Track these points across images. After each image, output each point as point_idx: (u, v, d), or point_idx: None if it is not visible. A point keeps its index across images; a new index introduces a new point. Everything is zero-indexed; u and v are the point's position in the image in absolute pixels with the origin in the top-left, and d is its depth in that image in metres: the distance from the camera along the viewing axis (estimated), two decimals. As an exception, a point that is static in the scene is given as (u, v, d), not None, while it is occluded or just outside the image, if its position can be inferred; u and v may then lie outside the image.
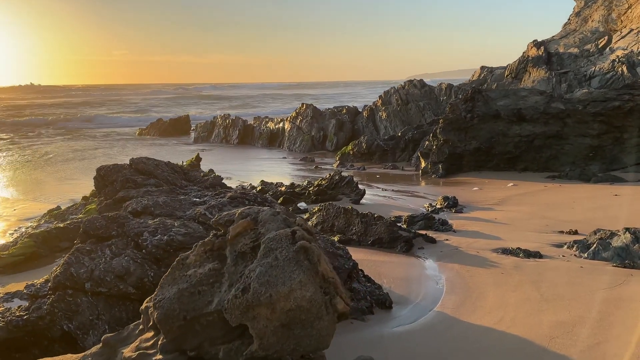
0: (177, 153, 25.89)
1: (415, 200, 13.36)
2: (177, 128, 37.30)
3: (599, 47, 26.93)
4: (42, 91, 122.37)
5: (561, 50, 28.34)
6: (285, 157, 24.73)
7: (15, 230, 12.19)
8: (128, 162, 8.95)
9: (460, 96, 20.76)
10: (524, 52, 28.86)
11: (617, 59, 24.44)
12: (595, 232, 8.14)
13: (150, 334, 3.54)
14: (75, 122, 47.05)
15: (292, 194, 13.55)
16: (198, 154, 18.71)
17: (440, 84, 29.23)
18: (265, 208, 3.68)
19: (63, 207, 13.22)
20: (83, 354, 3.87)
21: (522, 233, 9.40)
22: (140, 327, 3.78)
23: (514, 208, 11.68)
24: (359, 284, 6.37)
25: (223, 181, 17.90)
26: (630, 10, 27.07)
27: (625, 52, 24.94)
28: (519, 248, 8.13)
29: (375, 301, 6.17)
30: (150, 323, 3.49)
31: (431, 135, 18.24)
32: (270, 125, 30.38)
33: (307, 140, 27.06)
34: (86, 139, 34.35)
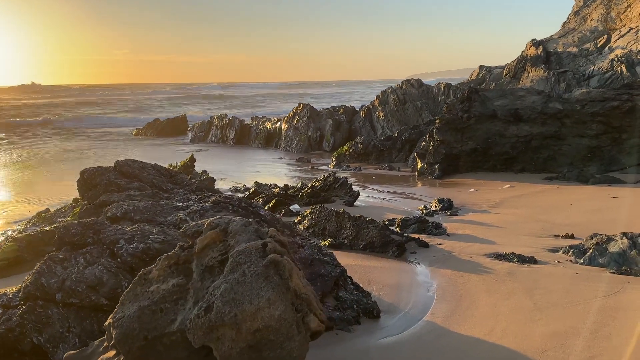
0: (173, 153, 25.68)
1: (410, 202, 13.14)
2: (174, 128, 37.09)
3: (598, 46, 26.71)
4: (42, 91, 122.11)
5: (560, 49, 28.11)
6: (281, 158, 24.51)
7: (2, 233, 11.97)
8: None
9: (458, 96, 20.53)
10: (522, 52, 28.63)
11: (616, 58, 24.21)
12: (591, 237, 7.91)
13: (112, 352, 3.32)
14: (73, 122, 46.83)
15: (285, 196, 13.32)
16: (192, 154, 18.50)
17: (439, 83, 29.01)
18: (237, 218, 3.45)
19: (53, 209, 13.00)
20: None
21: (517, 237, 9.18)
22: (105, 343, 3.56)
23: (510, 210, 11.46)
24: (346, 292, 6.15)
25: (218, 182, 17.84)
26: (629, 9, 26.84)
27: (625, 51, 24.71)
28: (513, 253, 7.91)
29: (363, 310, 5.95)
30: (112, 342, 3.27)
31: (428, 135, 18.03)
32: (268, 125, 30.16)
33: (304, 141, 26.85)
34: (82, 139, 34.14)
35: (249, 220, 3.48)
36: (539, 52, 27.30)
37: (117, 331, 3.06)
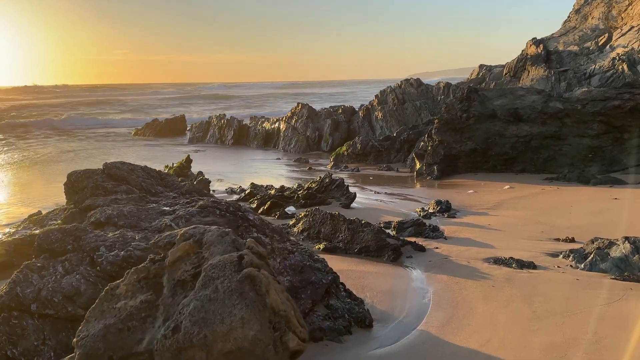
0: (170, 154, 25.46)
1: (407, 204, 12.90)
2: (173, 128, 36.85)
3: (599, 44, 26.44)
4: (42, 91, 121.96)
5: (560, 48, 27.84)
6: (279, 158, 24.28)
7: (-8, 236, 11.75)
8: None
9: (458, 95, 20.28)
10: (522, 50, 28.37)
11: (617, 57, 23.96)
12: (592, 241, 7.67)
13: (79, 372, 3.10)
14: (72, 122, 46.58)
15: (281, 198, 13.10)
16: (188, 155, 18.27)
17: (439, 82, 28.75)
18: (213, 228, 3.23)
19: (46, 212, 12.78)
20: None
21: (516, 240, 8.95)
22: (75, 361, 3.34)
23: (509, 213, 11.23)
24: (338, 300, 5.92)
25: (214, 183, 17.63)
26: (630, 7, 26.57)
27: (626, 49, 24.45)
28: (511, 258, 7.68)
29: (355, 319, 5.72)
30: (78, 361, 3.05)
31: (426, 135, 17.79)
32: (266, 125, 29.92)
33: (302, 141, 26.61)
34: (80, 140, 33.91)
35: (226, 230, 3.25)
36: (540, 51, 27.04)
37: (81, 351, 2.85)
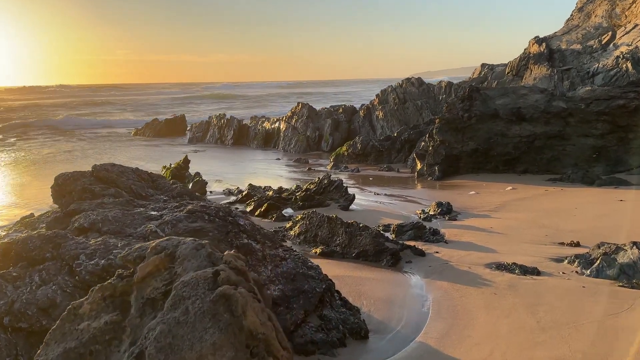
0: (169, 154, 25.20)
1: (407, 206, 12.61)
2: (173, 128, 36.60)
3: (603, 43, 26.08)
4: (43, 91, 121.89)
5: (563, 46, 27.49)
6: (279, 159, 23.99)
7: (-18, 240, 11.48)
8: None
9: (459, 94, 19.98)
10: (525, 49, 28.04)
11: (621, 55, 23.60)
12: (598, 246, 7.38)
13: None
14: (72, 122, 46.37)
15: (278, 200, 12.82)
16: (186, 156, 18.01)
17: (440, 82, 28.41)
18: (188, 240, 2.95)
19: (38, 214, 12.53)
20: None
21: (519, 244, 8.65)
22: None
23: (512, 215, 10.93)
24: (332, 310, 5.64)
25: (212, 184, 17.35)
26: (634, 5, 26.21)
27: (630, 48, 24.09)
28: (514, 263, 7.39)
29: (349, 330, 5.44)
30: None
31: (427, 135, 17.48)
32: (267, 125, 29.62)
33: (302, 141, 26.33)
34: (80, 140, 33.68)
35: (202, 242, 2.97)
36: (542, 50, 26.70)
37: (37, 379, 2.58)
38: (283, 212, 12.00)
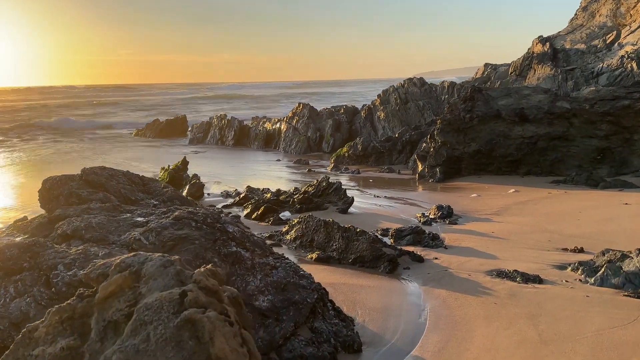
0: (169, 155, 25.03)
1: (408, 209, 12.35)
2: (174, 129, 36.42)
3: (607, 42, 25.74)
4: (46, 92, 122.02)
5: (567, 46, 27.17)
6: (279, 160, 23.76)
7: (-26, 243, 11.28)
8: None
9: (462, 95, 19.69)
10: (529, 49, 27.72)
11: (626, 55, 23.27)
12: (603, 253, 7.11)
13: None
14: (72, 123, 46.29)
15: (276, 202, 12.59)
16: (185, 157, 17.80)
17: (443, 82, 28.12)
18: (156, 256, 2.71)
19: (32, 217, 12.32)
20: None
21: (521, 250, 8.39)
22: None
23: (514, 219, 10.66)
24: (324, 322, 5.40)
25: (211, 186, 17.12)
26: (639, 4, 25.86)
27: (635, 47, 23.75)
28: (516, 270, 7.13)
29: (342, 344, 5.20)
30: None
31: (429, 136, 17.22)
32: (267, 125, 29.39)
33: (303, 142, 26.09)
34: (80, 141, 33.54)
35: (171, 258, 2.73)
36: (546, 49, 26.38)
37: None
38: (280, 215, 11.77)
